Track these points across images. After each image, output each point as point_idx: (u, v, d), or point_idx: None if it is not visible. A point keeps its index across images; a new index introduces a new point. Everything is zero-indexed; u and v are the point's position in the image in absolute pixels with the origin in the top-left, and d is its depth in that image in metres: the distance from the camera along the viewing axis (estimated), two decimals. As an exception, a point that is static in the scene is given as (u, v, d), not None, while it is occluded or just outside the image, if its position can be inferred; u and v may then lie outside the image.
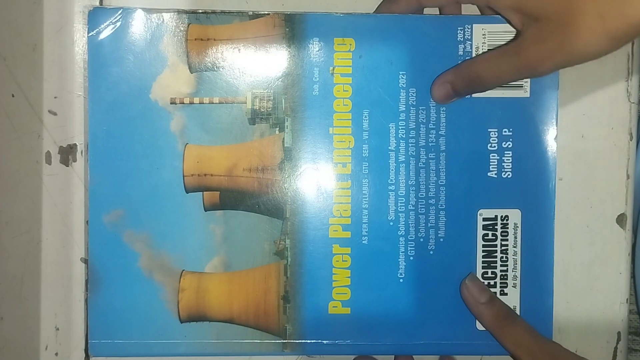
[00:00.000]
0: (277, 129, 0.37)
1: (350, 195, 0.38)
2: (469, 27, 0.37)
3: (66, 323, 0.39)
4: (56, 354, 0.39)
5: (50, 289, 0.39)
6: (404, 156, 0.38)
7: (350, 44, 0.37)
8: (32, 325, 0.39)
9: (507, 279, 0.38)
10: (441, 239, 0.38)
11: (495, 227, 0.38)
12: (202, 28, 0.37)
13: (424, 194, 0.38)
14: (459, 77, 0.37)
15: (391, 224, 0.38)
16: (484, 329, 0.37)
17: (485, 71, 0.35)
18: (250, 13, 0.37)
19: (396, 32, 0.37)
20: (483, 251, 0.38)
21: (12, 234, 0.39)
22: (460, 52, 0.37)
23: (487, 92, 0.37)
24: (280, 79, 0.37)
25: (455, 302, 0.38)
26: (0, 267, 0.39)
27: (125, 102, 0.37)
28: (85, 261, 0.39)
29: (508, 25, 0.36)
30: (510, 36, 0.37)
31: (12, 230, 0.39)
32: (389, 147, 0.38)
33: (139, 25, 0.36)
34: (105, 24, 0.36)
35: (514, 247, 0.38)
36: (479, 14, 0.38)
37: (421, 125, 0.38)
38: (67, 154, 0.39)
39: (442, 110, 0.38)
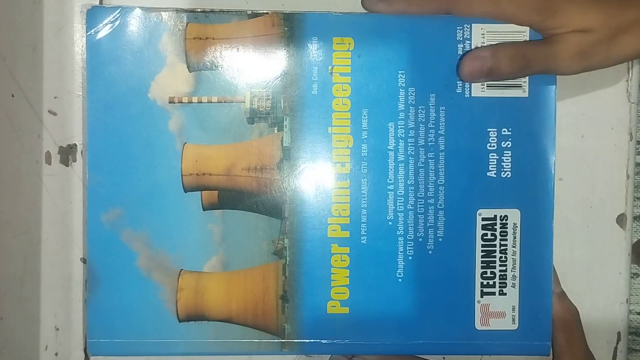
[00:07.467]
0: (276, 128, 0.37)
1: (349, 195, 0.38)
2: (468, 26, 0.37)
3: (66, 323, 0.39)
4: (56, 354, 0.39)
5: (50, 289, 0.39)
6: (403, 156, 0.38)
7: (349, 44, 0.37)
8: (32, 325, 0.39)
9: (506, 278, 0.38)
10: (440, 239, 0.38)
11: (495, 227, 0.38)
12: (201, 27, 0.37)
13: (423, 193, 0.38)
14: (500, 53, 0.36)
15: (390, 223, 0.38)
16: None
17: (535, 53, 0.35)
18: (249, 12, 0.37)
19: (395, 31, 0.37)
20: (482, 251, 0.38)
21: (12, 234, 0.39)
22: (460, 52, 0.37)
23: (486, 92, 0.37)
24: (279, 78, 0.37)
25: (455, 302, 0.38)
26: (0, 267, 0.39)
27: (123, 101, 0.37)
28: (85, 261, 0.39)
29: (507, 25, 0.37)
30: (509, 36, 0.37)
31: (12, 230, 0.39)
32: (388, 147, 0.38)
33: (137, 24, 0.37)
34: (103, 23, 0.36)
35: (513, 247, 0.38)
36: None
37: (420, 125, 0.38)
38: (67, 154, 0.39)
39: (442, 110, 0.38)
